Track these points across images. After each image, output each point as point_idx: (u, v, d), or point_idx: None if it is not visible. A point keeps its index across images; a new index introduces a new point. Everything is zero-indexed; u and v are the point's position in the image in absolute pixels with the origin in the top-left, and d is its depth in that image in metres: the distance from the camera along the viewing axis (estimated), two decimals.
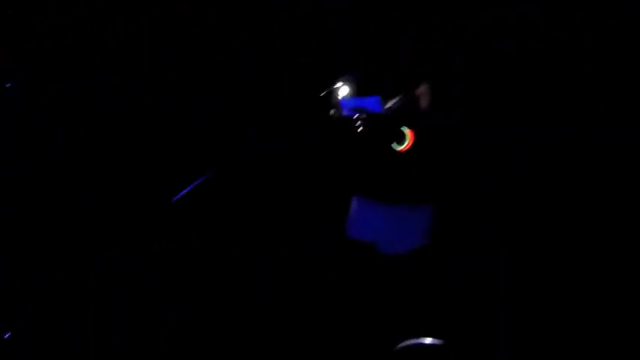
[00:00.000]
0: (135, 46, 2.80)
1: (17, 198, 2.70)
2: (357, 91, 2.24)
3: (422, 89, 2.19)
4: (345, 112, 2.16)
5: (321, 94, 2.27)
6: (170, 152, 2.77)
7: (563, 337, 2.28)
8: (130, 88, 2.81)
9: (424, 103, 2.19)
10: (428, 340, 2.15)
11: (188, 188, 2.56)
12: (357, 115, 2.12)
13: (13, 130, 2.74)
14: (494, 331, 2.26)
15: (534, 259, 2.40)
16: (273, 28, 2.67)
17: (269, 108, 2.65)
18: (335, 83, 2.25)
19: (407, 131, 2.09)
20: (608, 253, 2.35)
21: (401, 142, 2.10)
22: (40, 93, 2.78)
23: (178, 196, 2.56)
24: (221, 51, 2.76)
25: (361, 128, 2.13)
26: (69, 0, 2.75)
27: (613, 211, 2.35)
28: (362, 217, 2.31)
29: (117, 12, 2.78)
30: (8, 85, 2.47)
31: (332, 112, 2.25)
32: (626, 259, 2.32)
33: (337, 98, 2.21)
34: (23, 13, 2.74)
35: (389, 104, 2.24)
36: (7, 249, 2.58)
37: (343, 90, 2.26)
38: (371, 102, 2.10)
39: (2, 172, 2.71)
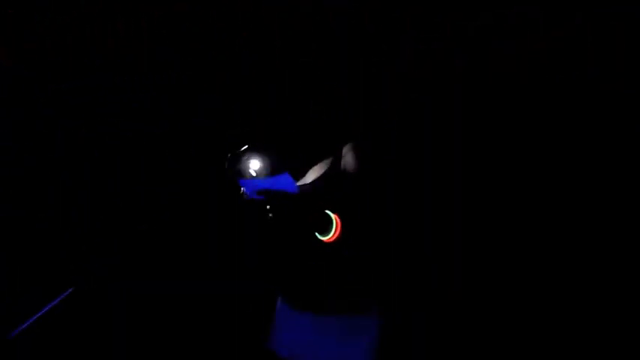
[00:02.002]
0: (135, 46, 2.80)
1: (17, 198, 2.70)
2: (271, 165, 1.69)
3: (347, 150, 1.66)
4: (250, 196, 1.59)
5: (227, 166, 1.74)
6: (170, 152, 2.77)
7: (562, 336, 2.28)
8: (129, 88, 2.81)
9: (352, 167, 1.63)
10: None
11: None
12: (265, 198, 1.53)
13: (13, 130, 2.75)
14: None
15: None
16: (273, 28, 2.66)
17: (270, 109, 2.57)
18: (239, 156, 1.72)
19: (333, 216, 1.53)
20: (600, 253, 2.35)
21: (326, 230, 1.53)
22: (40, 93, 2.78)
23: None
24: (221, 51, 2.76)
25: (272, 215, 1.51)
26: (69, 0, 2.75)
27: (606, 212, 2.36)
28: (287, 330, 1.80)
29: (117, 12, 2.77)
30: None
31: (242, 190, 1.70)
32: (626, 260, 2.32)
33: (238, 177, 1.66)
34: (23, 13, 2.74)
35: (309, 178, 1.71)
36: (7, 249, 2.58)
37: (253, 164, 1.71)
38: (280, 181, 1.52)
39: (2, 172, 2.71)
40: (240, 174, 1.71)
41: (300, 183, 1.69)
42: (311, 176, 1.72)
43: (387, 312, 1.76)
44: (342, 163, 1.66)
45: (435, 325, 2.33)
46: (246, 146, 1.75)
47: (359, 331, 1.72)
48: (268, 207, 1.51)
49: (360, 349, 1.72)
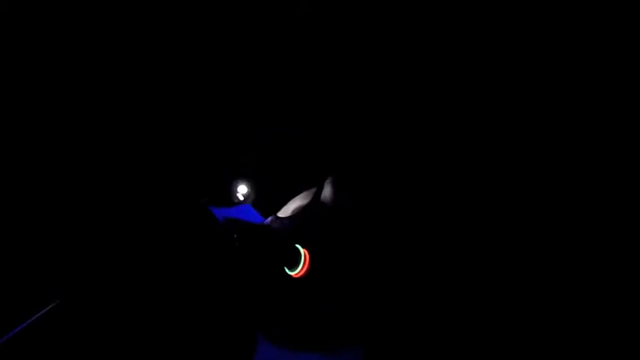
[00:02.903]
0: (135, 45, 2.80)
1: (17, 198, 2.71)
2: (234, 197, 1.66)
3: (327, 183, 1.62)
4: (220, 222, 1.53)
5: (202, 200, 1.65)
6: (170, 152, 2.77)
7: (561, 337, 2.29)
8: (129, 88, 2.82)
9: (329, 201, 1.59)
10: None
11: None
12: (232, 228, 1.46)
13: (13, 130, 2.75)
14: None
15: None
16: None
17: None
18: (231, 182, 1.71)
19: (302, 250, 1.47)
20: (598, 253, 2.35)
21: (294, 265, 1.46)
22: (40, 93, 2.78)
23: None
24: (218, 51, 2.76)
25: (238, 245, 1.46)
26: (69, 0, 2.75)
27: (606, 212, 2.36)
28: None
29: (117, 12, 2.78)
30: None
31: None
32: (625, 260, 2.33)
33: (207, 204, 1.57)
34: (23, 12, 2.75)
35: (290, 209, 1.68)
36: (7, 248, 2.59)
37: (241, 189, 1.71)
38: (243, 211, 1.50)
39: (2, 172, 2.71)
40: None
41: (280, 214, 1.65)
42: (291, 207, 1.68)
43: (364, 347, 1.68)
44: (322, 195, 1.62)
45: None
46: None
47: None
48: (235, 236, 1.46)
49: None
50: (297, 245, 1.49)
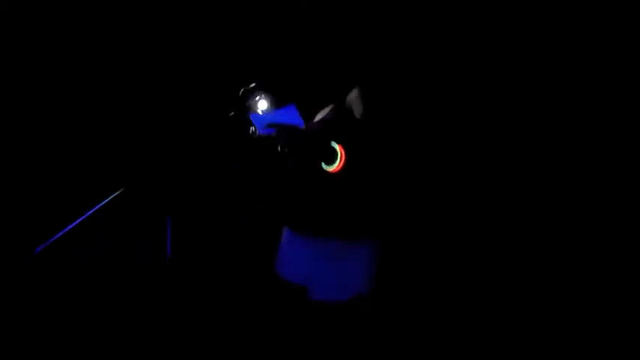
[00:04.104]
0: (135, 45, 2.80)
1: (16, 197, 2.71)
2: (275, 102, 1.83)
3: (353, 95, 1.78)
4: (260, 131, 1.72)
5: (232, 113, 1.90)
6: (168, 151, 2.77)
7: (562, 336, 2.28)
8: (129, 87, 2.82)
9: (357, 111, 1.76)
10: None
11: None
12: (274, 132, 1.66)
13: (14, 130, 2.75)
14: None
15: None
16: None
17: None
18: (248, 97, 1.85)
19: (338, 148, 1.64)
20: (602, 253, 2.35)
21: (331, 161, 1.65)
22: (40, 91, 2.78)
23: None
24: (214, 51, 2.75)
25: (282, 147, 1.69)
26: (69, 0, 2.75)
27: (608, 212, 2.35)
28: (291, 254, 1.92)
29: (117, 12, 2.77)
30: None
31: (251, 130, 1.85)
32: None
33: (249, 114, 1.76)
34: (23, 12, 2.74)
35: (319, 116, 1.85)
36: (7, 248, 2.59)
37: (261, 104, 1.86)
38: (286, 113, 1.64)
39: (2, 172, 2.71)
40: (251, 109, 1.87)
41: (308, 121, 1.79)
42: (318, 117, 1.88)
43: (384, 240, 1.90)
44: (348, 102, 1.78)
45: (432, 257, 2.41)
46: (255, 84, 1.90)
47: (356, 257, 1.83)
48: (277, 139, 1.65)
49: (358, 274, 1.83)
50: (334, 143, 1.65)
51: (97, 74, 2.81)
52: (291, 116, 1.64)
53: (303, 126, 1.66)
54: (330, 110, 1.85)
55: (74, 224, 2.04)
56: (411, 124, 2.33)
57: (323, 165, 1.67)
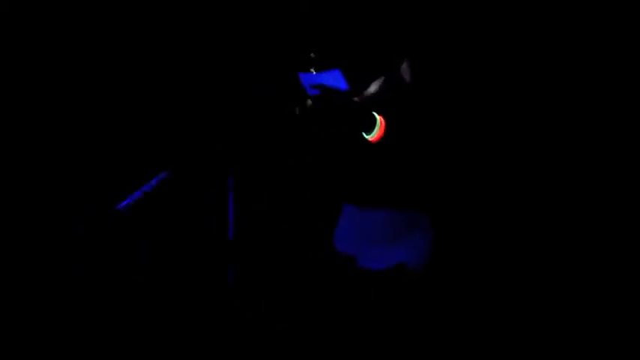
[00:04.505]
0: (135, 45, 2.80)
1: (16, 197, 2.71)
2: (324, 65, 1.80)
3: (404, 65, 1.77)
4: (308, 91, 1.71)
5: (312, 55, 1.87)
6: (168, 150, 2.77)
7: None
8: (129, 87, 2.81)
9: (406, 77, 1.76)
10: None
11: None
12: (319, 94, 1.67)
13: (13, 129, 2.75)
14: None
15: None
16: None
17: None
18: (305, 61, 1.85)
19: (378, 117, 1.64)
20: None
21: (370, 130, 1.64)
22: (40, 90, 2.78)
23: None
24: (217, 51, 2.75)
25: (323, 110, 1.70)
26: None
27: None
28: (343, 225, 1.94)
29: (116, 12, 2.77)
30: None
31: (308, 103, 1.84)
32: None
33: (299, 72, 1.76)
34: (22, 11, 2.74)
35: (374, 87, 1.83)
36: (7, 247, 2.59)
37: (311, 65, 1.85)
38: (332, 76, 1.63)
39: (2, 172, 2.71)
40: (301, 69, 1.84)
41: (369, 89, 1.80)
42: (377, 85, 1.84)
43: (438, 214, 1.88)
44: (401, 71, 1.77)
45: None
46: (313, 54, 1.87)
47: (410, 231, 1.83)
48: (319, 100, 1.66)
49: (411, 249, 1.82)
50: (374, 112, 1.64)
51: (97, 73, 2.81)
52: (336, 80, 1.63)
53: (347, 89, 1.65)
54: (379, 81, 1.82)
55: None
56: (460, 102, 2.27)
57: (363, 133, 1.66)
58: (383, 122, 1.64)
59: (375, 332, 2.03)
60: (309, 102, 1.81)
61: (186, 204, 2.78)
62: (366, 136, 1.66)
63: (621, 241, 2.33)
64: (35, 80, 2.75)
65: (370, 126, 1.64)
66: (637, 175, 2.31)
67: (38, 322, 2.40)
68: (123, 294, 2.56)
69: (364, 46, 1.87)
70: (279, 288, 2.17)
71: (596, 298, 2.31)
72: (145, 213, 2.75)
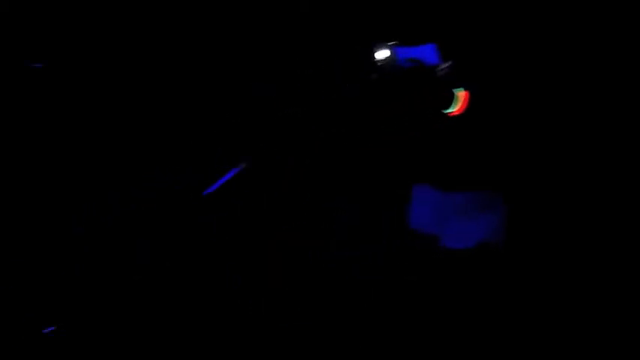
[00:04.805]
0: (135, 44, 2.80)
1: (16, 197, 2.71)
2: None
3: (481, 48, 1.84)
4: (400, 64, 1.77)
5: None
6: (169, 150, 2.77)
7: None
8: (129, 86, 2.81)
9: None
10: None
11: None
12: (410, 66, 1.75)
13: (13, 129, 2.75)
14: None
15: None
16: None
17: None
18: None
19: (457, 93, 1.71)
20: None
21: (449, 104, 1.72)
22: (40, 90, 2.78)
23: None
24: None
25: (413, 82, 1.76)
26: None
27: None
28: (417, 203, 1.97)
29: (116, 11, 2.77)
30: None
31: (373, 75, 1.89)
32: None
33: (394, 46, 1.81)
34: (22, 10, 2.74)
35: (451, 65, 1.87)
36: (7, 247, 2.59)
37: (383, 52, 1.88)
38: (426, 51, 1.73)
39: (2, 172, 2.71)
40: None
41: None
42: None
43: (512, 191, 1.91)
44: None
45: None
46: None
47: (485, 208, 1.87)
48: (411, 74, 1.73)
49: (486, 226, 1.86)
50: (454, 88, 1.71)
51: (99, 72, 2.81)
52: (429, 53, 1.71)
53: (436, 63, 1.73)
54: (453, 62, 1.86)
55: None
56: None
57: (444, 107, 1.73)
58: (465, 97, 1.71)
59: (375, 332, 2.03)
60: (375, 75, 1.86)
61: (186, 204, 2.78)
62: (447, 110, 1.73)
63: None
64: (35, 80, 2.75)
65: (450, 101, 1.71)
66: None
67: (38, 322, 2.39)
68: (123, 294, 2.55)
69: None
70: (279, 288, 2.16)
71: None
72: (144, 213, 2.76)
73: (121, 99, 2.80)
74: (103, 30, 2.77)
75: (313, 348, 2.00)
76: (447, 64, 1.87)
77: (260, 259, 2.45)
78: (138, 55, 2.79)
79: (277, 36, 2.54)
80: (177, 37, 2.77)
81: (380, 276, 2.15)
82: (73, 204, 2.66)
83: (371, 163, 2.00)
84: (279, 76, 2.42)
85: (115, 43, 2.78)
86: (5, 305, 2.42)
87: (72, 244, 2.59)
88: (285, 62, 2.46)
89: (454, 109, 1.73)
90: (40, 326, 2.36)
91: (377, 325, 2.09)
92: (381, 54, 1.87)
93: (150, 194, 2.75)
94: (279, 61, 2.49)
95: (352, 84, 1.98)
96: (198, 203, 2.77)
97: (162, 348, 2.33)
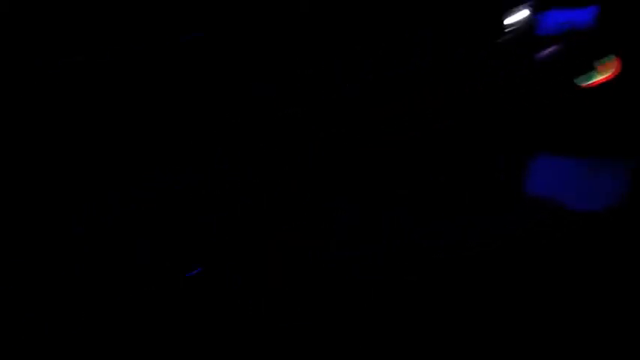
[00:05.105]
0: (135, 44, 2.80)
1: (16, 197, 2.71)
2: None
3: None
4: (551, 28, 1.66)
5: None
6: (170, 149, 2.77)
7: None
8: (129, 86, 2.81)
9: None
10: None
11: None
12: (563, 31, 1.64)
13: (13, 129, 2.75)
14: None
15: None
16: None
17: None
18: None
19: (611, 59, 1.63)
20: None
21: (587, 76, 1.66)
22: (39, 90, 2.78)
23: None
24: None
25: (562, 48, 1.68)
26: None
27: None
28: (540, 168, 1.91)
29: (116, 11, 2.77)
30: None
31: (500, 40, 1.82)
32: None
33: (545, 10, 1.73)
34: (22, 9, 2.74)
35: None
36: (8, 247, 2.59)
37: (522, 13, 1.79)
38: (583, 14, 1.61)
39: (2, 172, 2.71)
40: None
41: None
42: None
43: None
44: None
45: None
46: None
47: (609, 174, 1.80)
48: (564, 39, 1.65)
49: (610, 190, 1.80)
50: (606, 56, 1.65)
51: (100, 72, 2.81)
52: (586, 16, 1.61)
53: (591, 27, 1.62)
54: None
55: None
56: None
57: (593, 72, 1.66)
58: (618, 63, 1.63)
59: (375, 332, 2.03)
60: (504, 38, 1.79)
61: (186, 204, 2.78)
62: (594, 78, 1.66)
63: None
64: (35, 80, 2.75)
65: (589, 72, 1.64)
66: None
67: (38, 322, 2.39)
68: (123, 294, 2.56)
69: None
70: (279, 288, 2.16)
71: None
72: (144, 213, 2.76)
73: (120, 99, 2.80)
74: (103, 30, 2.77)
75: (313, 348, 2.00)
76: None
77: (260, 259, 2.45)
78: (138, 55, 2.79)
79: (277, 36, 2.54)
80: (177, 37, 2.77)
81: (380, 276, 2.14)
82: (73, 204, 2.66)
83: (371, 163, 1.98)
84: (279, 76, 2.42)
85: (115, 43, 2.78)
86: (5, 305, 2.41)
87: (72, 244, 2.59)
88: (285, 62, 2.46)
89: (604, 76, 1.64)
90: (40, 326, 2.36)
91: (377, 325, 2.09)
92: (516, 16, 1.78)
93: (150, 194, 2.75)
94: (279, 61, 2.49)
95: (352, 84, 1.95)
96: (198, 203, 2.77)
97: (162, 348, 2.33)
